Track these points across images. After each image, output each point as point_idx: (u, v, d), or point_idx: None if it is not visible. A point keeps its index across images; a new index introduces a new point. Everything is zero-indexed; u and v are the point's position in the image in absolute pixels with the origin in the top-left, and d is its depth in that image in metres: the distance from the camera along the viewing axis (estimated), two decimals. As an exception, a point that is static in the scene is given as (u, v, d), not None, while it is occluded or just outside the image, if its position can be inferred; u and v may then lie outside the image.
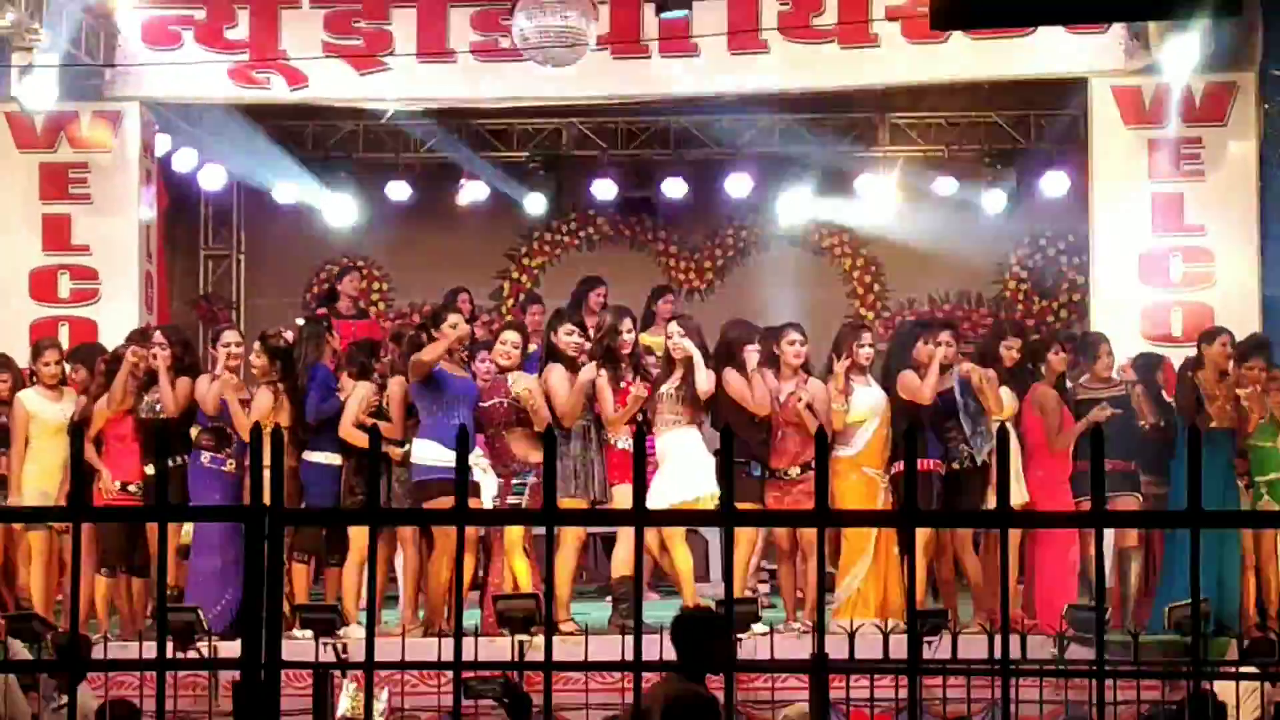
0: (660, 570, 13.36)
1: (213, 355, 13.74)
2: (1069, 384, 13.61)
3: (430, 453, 12.37)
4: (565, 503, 12.38)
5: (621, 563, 12.98)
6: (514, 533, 12.80)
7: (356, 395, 13.01)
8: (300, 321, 15.69)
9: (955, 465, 12.89)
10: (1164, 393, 13.56)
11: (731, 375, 12.81)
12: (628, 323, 13.13)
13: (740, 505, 11.19)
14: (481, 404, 12.85)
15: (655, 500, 12.34)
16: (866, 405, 12.97)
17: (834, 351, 13.13)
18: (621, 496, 12.46)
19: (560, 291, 17.20)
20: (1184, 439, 12.50)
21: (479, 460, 12.59)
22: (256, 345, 13.32)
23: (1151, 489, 13.21)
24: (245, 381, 13.41)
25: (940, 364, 12.98)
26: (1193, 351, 13.74)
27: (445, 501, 11.64)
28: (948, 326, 13.63)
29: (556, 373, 12.92)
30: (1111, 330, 14.30)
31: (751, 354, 12.89)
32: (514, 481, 12.72)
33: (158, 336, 13.47)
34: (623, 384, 12.84)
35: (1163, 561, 13.34)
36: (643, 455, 4.44)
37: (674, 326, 13.12)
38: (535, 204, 19.31)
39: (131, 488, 13.10)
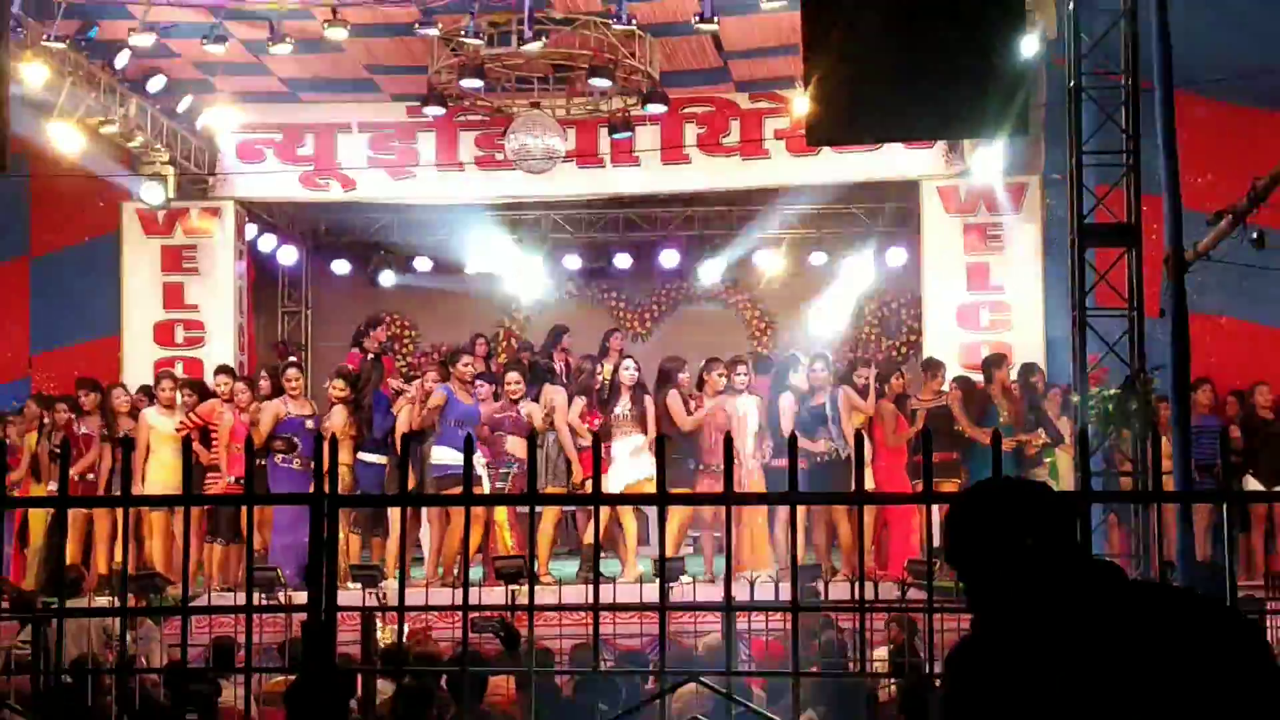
0: (613, 537, 13.34)
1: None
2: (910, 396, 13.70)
3: (445, 456, 12.45)
4: (548, 489, 12.58)
5: (587, 532, 13.01)
6: (500, 514, 12.82)
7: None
8: (371, 357, 15.74)
9: (826, 458, 12.93)
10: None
11: (671, 397, 12.90)
12: (599, 367, 13.44)
13: (674, 490, 11.20)
14: (494, 415, 12.92)
15: (612, 484, 12.40)
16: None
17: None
18: (589, 486, 12.50)
19: (540, 333, 17.18)
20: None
21: (477, 461, 12.61)
22: (338, 381, 13.34)
23: (966, 473, 13.28)
24: (312, 401, 13.48)
25: (814, 385, 13.08)
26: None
27: (457, 490, 11.62)
28: (820, 358, 13.68)
29: (560, 396, 13.06)
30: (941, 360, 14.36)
31: (682, 379, 13.00)
32: (501, 471, 12.76)
33: (261, 372, 13.62)
34: (593, 409, 13.16)
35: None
36: (598, 454, 4.45)
37: (629, 362, 13.18)
38: (522, 272, 19.24)
39: (236, 480, 13.07)
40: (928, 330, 16.24)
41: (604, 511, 12.43)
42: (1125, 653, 2.82)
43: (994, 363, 13.85)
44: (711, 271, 19.13)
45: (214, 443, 13.18)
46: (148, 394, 13.92)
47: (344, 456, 12.96)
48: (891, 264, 18.39)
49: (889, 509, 12.99)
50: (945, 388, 13.73)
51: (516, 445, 12.77)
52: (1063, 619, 2.89)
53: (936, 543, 12.83)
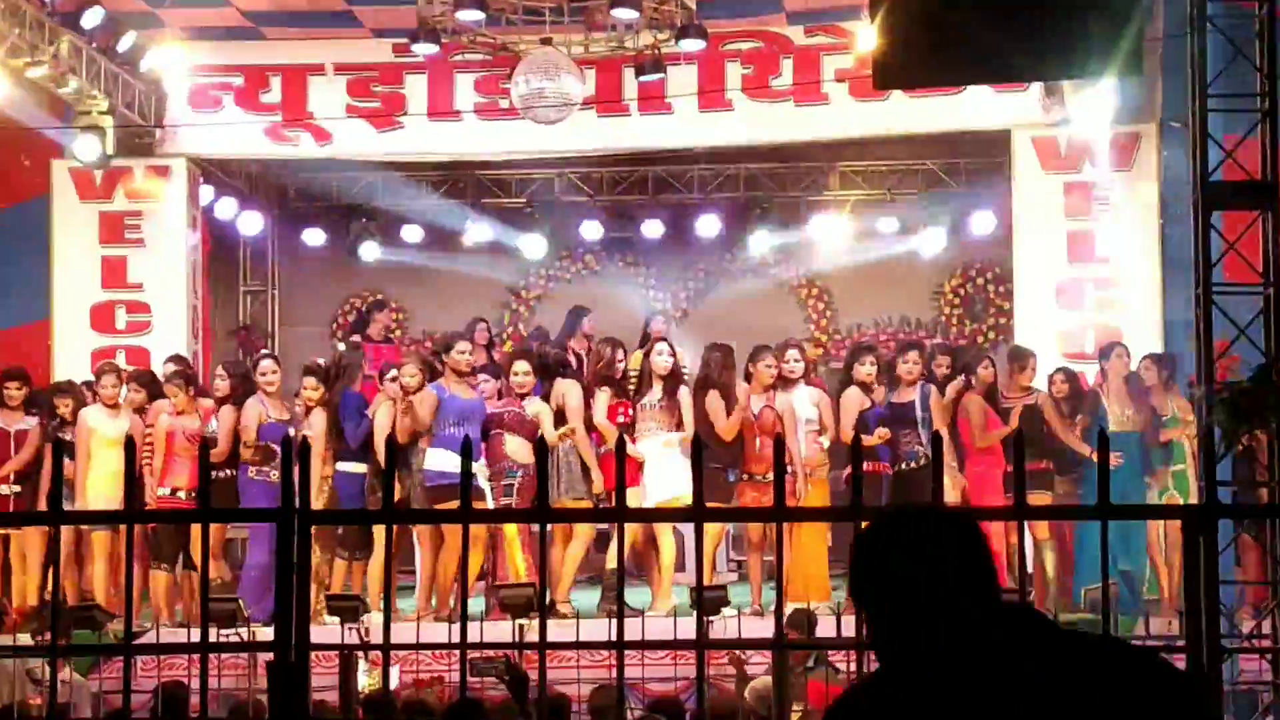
0: (644, 561, 13.35)
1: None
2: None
3: (441, 461, 12.41)
4: (567, 502, 12.59)
5: (610, 555, 13.03)
6: (510, 529, 12.84)
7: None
8: (341, 347, 15.70)
9: (907, 466, 12.93)
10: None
11: (711, 398, 12.90)
12: (620, 353, 13.32)
13: (710, 504, 11.20)
14: (492, 410, 12.97)
15: (648, 495, 12.45)
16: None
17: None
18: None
19: (554, 320, 17.22)
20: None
21: (481, 469, 12.61)
22: (309, 380, 13.36)
23: (1064, 487, 13.26)
24: (286, 401, 13.50)
25: (905, 379, 13.10)
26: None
27: (453, 504, 11.63)
28: (915, 347, 13.71)
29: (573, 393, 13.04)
30: (1033, 347, 14.30)
31: (732, 375, 13.04)
32: (504, 482, 12.75)
33: (218, 370, 13.58)
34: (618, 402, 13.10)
35: (1074, 550, 13.35)
36: (623, 461, 4.45)
37: (662, 345, 13.21)
38: (531, 244, 19.32)
39: (182, 493, 13.09)
40: (1020, 311, 16.21)
41: (631, 529, 12.45)
42: (1024, 712, 2.89)
43: (1108, 352, 13.79)
44: (759, 242, 19.12)
45: (149, 449, 13.13)
46: (89, 390, 13.94)
47: (323, 468, 13.01)
48: (976, 232, 18.34)
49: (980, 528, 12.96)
50: (1037, 382, 13.70)
51: (518, 447, 12.76)
52: (958, 669, 2.97)
53: (1031, 565, 12.88)
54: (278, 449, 12.91)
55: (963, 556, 3.09)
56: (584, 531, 13.08)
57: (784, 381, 13.18)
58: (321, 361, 13.95)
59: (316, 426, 13.07)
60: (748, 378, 13.12)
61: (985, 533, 3.19)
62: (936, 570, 3.06)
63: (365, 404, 13.34)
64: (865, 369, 13.13)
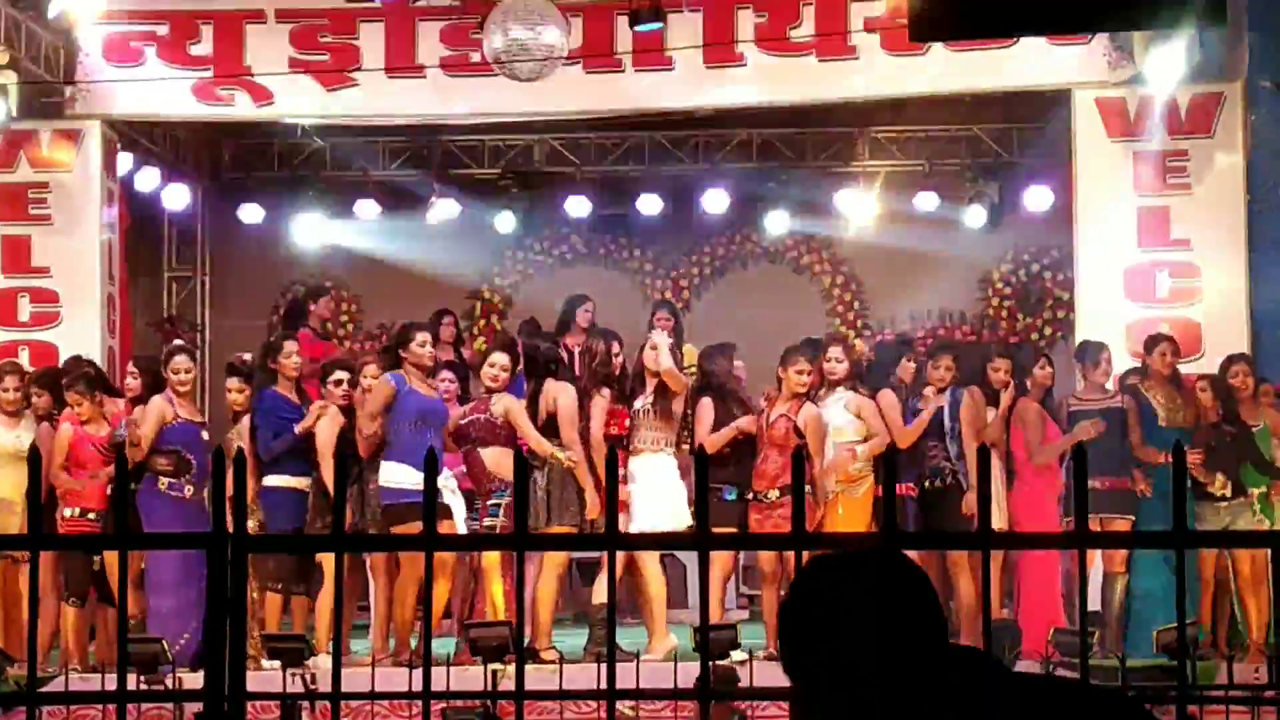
0: (639, 597, 13.35)
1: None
2: (1058, 396, 13.67)
3: (398, 475, 12.36)
4: (552, 529, 12.52)
5: (599, 588, 13.02)
6: (490, 557, 12.80)
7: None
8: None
9: (934, 484, 12.95)
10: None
11: (701, 405, 12.96)
12: (616, 346, 13.29)
13: (716, 530, 11.21)
14: (459, 421, 12.88)
15: (633, 522, 12.42)
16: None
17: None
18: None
19: (533, 311, 17.19)
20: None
21: (446, 481, 12.54)
22: (232, 381, 13.34)
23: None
24: (201, 404, 13.46)
25: (937, 385, 13.13)
26: (1192, 367, 13.85)
27: (415, 526, 11.60)
28: (950, 349, 13.72)
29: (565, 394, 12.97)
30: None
31: (735, 380, 13.05)
32: (490, 503, 12.67)
33: (130, 366, 13.50)
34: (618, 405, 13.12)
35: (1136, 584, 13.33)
36: (614, 477, 4.43)
37: (656, 339, 13.21)
38: (506, 222, 19.34)
39: (91, 515, 13.05)
40: (1082, 303, 16.19)
41: (622, 559, 12.45)
42: None
43: (1150, 345, 13.83)
44: (776, 221, 19.13)
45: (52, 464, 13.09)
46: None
47: (251, 483, 12.96)
48: (1031, 209, 18.35)
49: (1027, 557, 12.97)
50: (1112, 384, 13.71)
51: (500, 460, 12.70)
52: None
53: (1095, 603, 12.88)
54: (192, 458, 12.90)
55: (904, 607, 3.19)
56: (556, 563, 13.02)
57: (828, 385, 13.20)
58: (248, 357, 13.85)
59: (243, 433, 13.01)
60: (779, 384, 13.14)
61: (924, 575, 3.27)
62: (873, 626, 3.16)
63: (292, 408, 13.20)
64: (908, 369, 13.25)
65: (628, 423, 13.02)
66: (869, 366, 14.03)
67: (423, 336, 13.00)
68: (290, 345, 13.39)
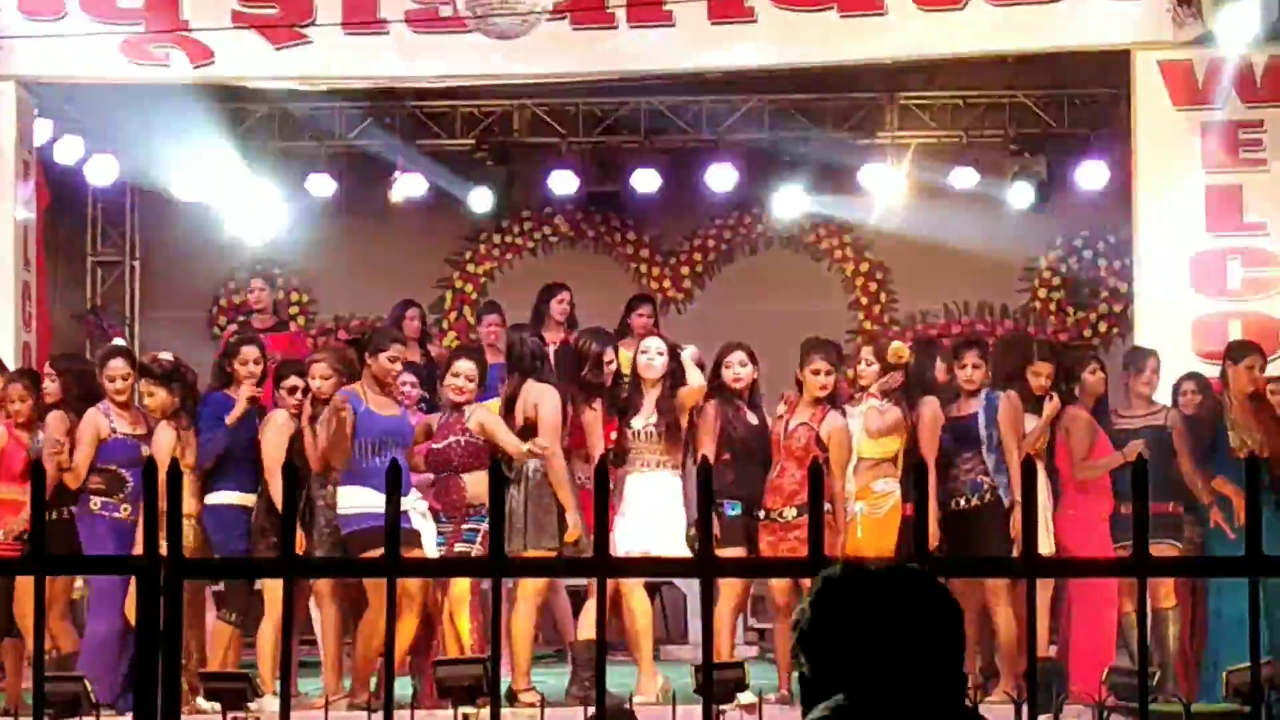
0: (632, 630, 13.33)
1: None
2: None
3: (358, 499, 12.35)
4: (530, 552, 12.54)
5: (588, 624, 13.01)
6: (461, 586, 12.80)
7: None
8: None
9: (969, 502, 12.92)
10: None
11: (710, 407, 12.98)
12: (610, 352, 13.20)
13: (722, 552, 11.22)
14: (434, 445, 12.85)
15: (623, 546, 12.42)
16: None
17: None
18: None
19: (511, 301, 17.19)
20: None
21: (414, 504, 12.54)
22: (144, 383, 13.32)
23: (1196, 535, 13.25)
24: (140, 414, 13.42)
25: (965, 387, 13.12)
26: (1270, 370, 13.86)
27: (379, 552, 11.56)
28: (974, 345, 13.66)
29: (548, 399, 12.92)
30: (1159, 346, 14.31)
31: (733, 375, 13.05)
32: (464, 528, 12.69)
33: (46, 368, 13.51)
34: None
35: (1206, 618, 13.32)
36: (604, 493, 4.43)
37: (651, 343, 13.20)
38: (482, 200, 19.28)
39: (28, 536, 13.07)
40: (1142, 296, 16.20)
41: (613, 588, 12.45)
42: None
43: (1238, 354, 13.81)
44: (791, 201, 19.11)
45: None
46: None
47: (190, 502, 12.93)
48: (1084, 187, 18.36)
49: (1077, 587, 12.96)
50: (1161, 393, 13.72)
51: (483, 487, 12.69)
52: None
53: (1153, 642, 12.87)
54: (129, 475, 12.92)
55: (927, 637, 3.41)
56: (534, 592, 12.99)
57: (862, 392, 13.23)
58: (168, 357, 13.75)
59: (160, 445, 12.93)
60: (798, 386, 13.14)
61: (957, 607, 3.45)
62: (887, 653, 3.36)
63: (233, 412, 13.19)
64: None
65: (615, 437, 12.97)
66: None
67: (396, 351, 12.92)
68: (250, 350, 13.34)
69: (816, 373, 13.01)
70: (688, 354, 13.30)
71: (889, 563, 3.58)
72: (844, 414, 13.09)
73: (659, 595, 15.32)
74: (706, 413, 13.05)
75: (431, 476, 12.91)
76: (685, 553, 12.40)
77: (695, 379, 13.04)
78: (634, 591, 12.99)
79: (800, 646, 3.46)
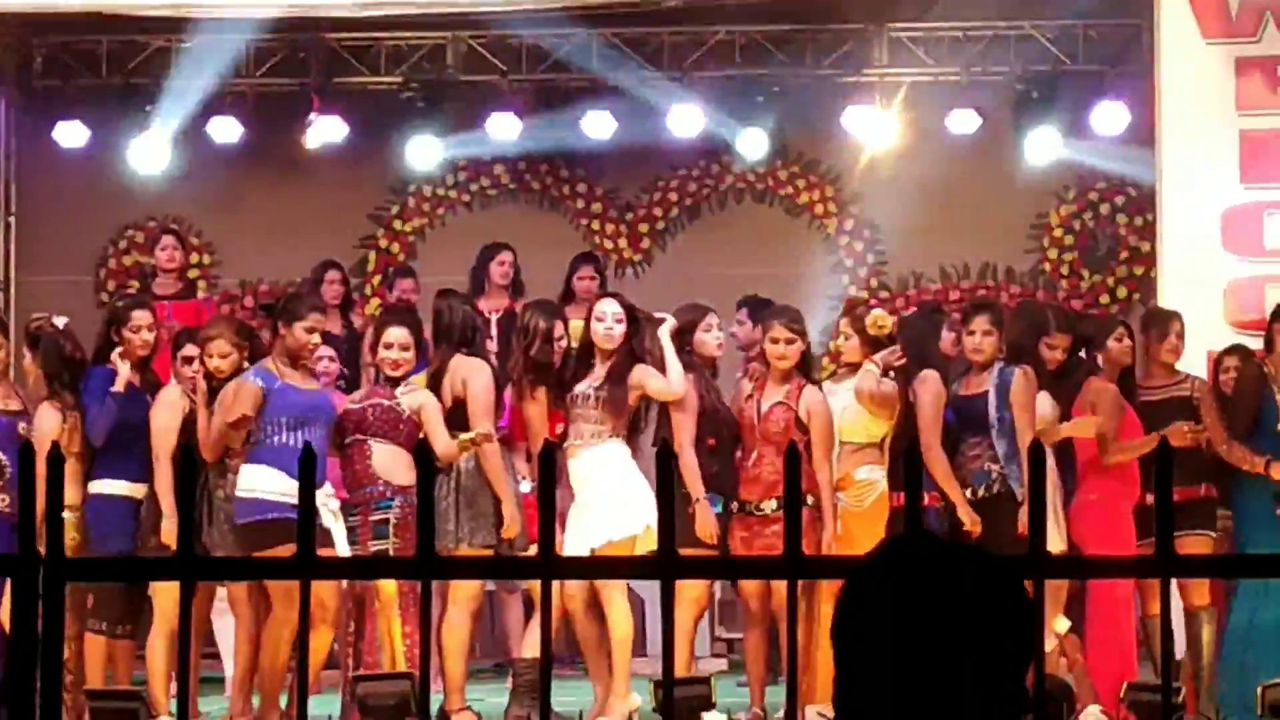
0: (585, 640, 13.31)
1: None
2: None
3: (265, 483, 12.30)
4: (463, 550, 12.55)
5: (532, 632, 13.02)
6: (389, 589, 12.76)
7: None
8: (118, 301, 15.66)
9: (974, 494, 12.93)
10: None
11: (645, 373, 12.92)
12: (560, 327, 13.21)
13: (684, 551, 11.21)
14: (349, 405, 12.81)
15: (575, 541, 12.37)
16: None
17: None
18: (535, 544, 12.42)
19: (443, 265, 17.18)
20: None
21: (326, 500, 12.39)
22: (31, 355, 13.30)
23: (1227, 524, 13.27)
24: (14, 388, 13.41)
25: (974, 358, 13.12)
26: None
27: (286, 550, 11.57)
28: (986, 309, 13.65)
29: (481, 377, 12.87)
30: (1187, 312, 14.30)
31: (708, 340, 13.04)
32: (373, 518, 12.62)
33: None
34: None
35: (1231, 622, 13.34)
36: (551, 480, 4.43)
37: (607, 306, 13.10)
38: (411, 147, 19.25)
39: None
40: (1169, 255, 16.25)
41: (572, 592, 12.44)
42: None
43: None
44: (763, 146, 19.09)
45: None
46: None
47: (72, 490, 12.90)
48: (1100, 131, 18.37)
49: (1094, 588, 12.99)
50: (1191, 361, 13.75)
51: (393, 462, 12.67)
52: None
53: (1181, 650, 12.93)
54: (5, 462, 12.88)
55: (991, 627, 3.28)
56: (466, 596, 12.94)
57: (848, 368, 13.21)
58: (61, 323, 13.71)
59: (42, 428, 12.89)
60: (763, 358, 13.14)
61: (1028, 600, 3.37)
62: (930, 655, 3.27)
63: (133, 391, 13.14)
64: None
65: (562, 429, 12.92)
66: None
67: (313, 320, 12.81)
68: (141, 315, 13.24)
69: (775, 341, 13.00)
70: (666, 332, 13.07)
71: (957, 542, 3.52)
72: (821, 388, 13.09)
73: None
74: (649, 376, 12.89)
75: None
76: (646, 530, 12.28)
77: (675, 379, 12.84)
78: (614, 597, 12.83)
79: (832, 634, 3.38)
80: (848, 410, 13.03)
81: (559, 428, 12.91)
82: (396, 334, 12.88)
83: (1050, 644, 12.07)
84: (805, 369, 13.13)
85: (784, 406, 12.90)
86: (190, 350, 13.12)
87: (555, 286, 14.93)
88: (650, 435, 12.94)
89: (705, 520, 12.61)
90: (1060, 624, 12.57)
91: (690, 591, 12.69)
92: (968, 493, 12.90)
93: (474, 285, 15.83)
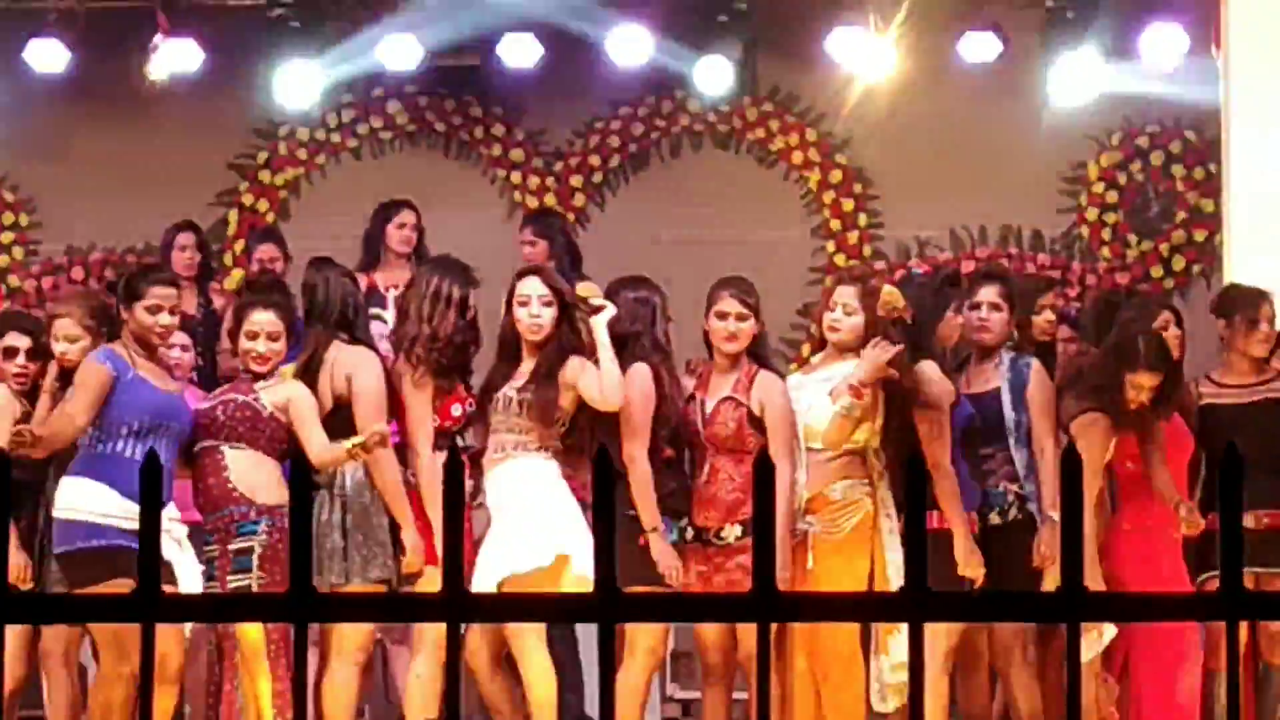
0: (495, 697, 13.36)
1: None
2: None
3: (88, 501, 12.28)
4: (351, 587, 12.63)
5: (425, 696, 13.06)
6: (252, 636, 12.77)
7: None
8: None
9: (987, 520, 12.95)
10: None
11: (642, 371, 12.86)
12: (463, 291, 13.14)
13: (631, 589, 11.24)
14: (199, 405, 12.78)
15: (485, 574, 12.35)
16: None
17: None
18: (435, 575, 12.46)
19: (323, 227, 17.21)
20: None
21: (170, 525, 12.35)
22: None
23: None
24: None
25: (981, 337, 13.13)
26: None
27: (116, 586, 11.59)
28: (994, 279, 13.66)
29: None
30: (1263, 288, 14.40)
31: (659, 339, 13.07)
32: (233, 546, 12.60)
33: None
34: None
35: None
36: (458, 496, 4.44)
37: (530, 287, 13.00)
38: (282, 79, 19.24)
39: None
40: (1235, 215, 16.32)
41: (476, 641, 12.47)
42: None
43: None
44: (719, 73, 19.11)
45: None
46: None
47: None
48: (1150, 63, 18.45)
49: (1135, 635, 13.04)
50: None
51: (256, 473, 12.67)
52: None
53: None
54: None
55: None
56: (354, 647, 12.97)
57: (830, 349, 13.19)
58: None
59: None
60: (707, 344, 13.12)
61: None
62: None
63: None
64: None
65: (459, 411, 12.88)
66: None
67: (159, 296, 12.72)
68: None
69: (724, 317, 12.89)
70: (603, 322, 12.95)
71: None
72: (781, 375, 13.05)
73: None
74: (637, 380, 12.86)
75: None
76: (580, 554, 12.24)
77: (610, 383, 12.64)
78: (531, 649, 12.74)
79: None
80: (818, 408, 12.93)
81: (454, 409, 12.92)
82: (263, 320, 12.76)
83: (1088, 655, 12.01)
84: (758, 353, 13.10)
85: (732, 402, 12.80)
86: (13, 340, 13.10)
87: (467, 254, 14.83)
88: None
89: (662, 553, 12.55)
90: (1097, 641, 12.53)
91: (645, 640, 12.69)
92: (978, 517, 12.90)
93: (367, 253, 15.83)
